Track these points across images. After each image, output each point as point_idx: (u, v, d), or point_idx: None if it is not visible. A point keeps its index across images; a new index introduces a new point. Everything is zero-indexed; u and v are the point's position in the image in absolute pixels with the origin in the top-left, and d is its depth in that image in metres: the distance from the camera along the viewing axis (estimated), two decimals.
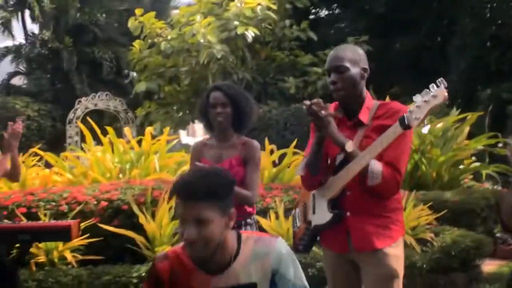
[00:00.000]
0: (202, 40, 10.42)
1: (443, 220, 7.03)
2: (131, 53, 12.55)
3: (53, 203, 6.67)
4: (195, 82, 11.82)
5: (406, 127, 2.75)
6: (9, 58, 22.29)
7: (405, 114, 2.74)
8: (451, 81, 14.17)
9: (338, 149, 3.01)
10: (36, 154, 9.00)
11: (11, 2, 22.14)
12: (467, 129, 9.23)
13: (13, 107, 17.76)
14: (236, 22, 10.73)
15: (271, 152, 7.98)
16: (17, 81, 22.63)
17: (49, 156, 8.55)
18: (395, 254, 3.01)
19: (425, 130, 2.60)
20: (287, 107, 11.47)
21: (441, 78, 2.73)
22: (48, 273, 5.87)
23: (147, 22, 11.74)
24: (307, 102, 2.96)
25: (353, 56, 3.05)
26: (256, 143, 3.82)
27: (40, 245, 6.06)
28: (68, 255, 6.11)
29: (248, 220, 3.76)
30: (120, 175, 7.71)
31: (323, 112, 2.89)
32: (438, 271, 6.23)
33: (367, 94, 3.14)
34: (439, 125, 9.06)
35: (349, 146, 2.91)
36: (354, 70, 3.01)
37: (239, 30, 10.59)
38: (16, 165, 4.48)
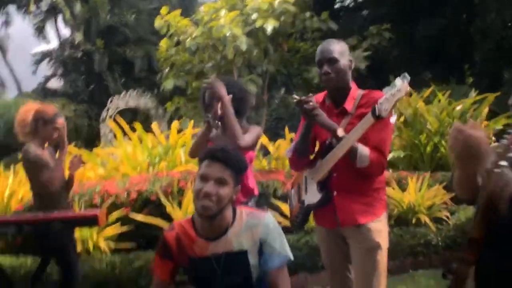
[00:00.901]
0: (228, 34, 10.71)
1: (461, 200, 7.23)
2: (158, 52, 12.93)
3: (87, 197, 7.13)
4: (221, 77, 12.15)
5: (376, 117, 3.07)
6: (45, 62, 23.01)
7: (375, 106, 3.06)
8: (475, 62, 14.24)
9: (329, 135, 3.35)
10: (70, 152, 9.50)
11: (44, 8, 22.77)
12: (486, 110, 9.33)
13: None
14: (255, 15, 11.01)
15: (292, 140, 8.30)
16: (54, 83, 23.33)
17: (83, 153, 9.03)
18: (378, 228, 3.34)
19: (392, 119, 2.85)
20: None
21: (405, 73, 3.08)
22: (84, 261, 6.32)
23: (173, 21, 12.08)
24: (296, 97, 3.29)
25: (341, 48, 3.38)
26: (255, 126, 4.17)
27: (76, 235, 6.51)
28: (102, 244, 6.56)
29: (249, 203, 4.05)
30: (150, 168, 8.11)
31: (310, 104, 3.22)
32: (452, 248, 6.47)
33: (353, 84, 3.47)
34: (458, 107, 9.22)
35: (340, 131, 3.24)
36: (343, 61, 3.34)
37: (258, 23, 10.86)
38: None
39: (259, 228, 2.82)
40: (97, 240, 6.58)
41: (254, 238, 2.80)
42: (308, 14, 12.05)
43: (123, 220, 6.59)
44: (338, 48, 3.37)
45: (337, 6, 16.54)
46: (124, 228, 6.52)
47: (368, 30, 12.93)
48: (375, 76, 12.13)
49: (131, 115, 17.93)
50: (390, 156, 7.96)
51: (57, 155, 4.89)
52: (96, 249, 6.55)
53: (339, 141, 3.23)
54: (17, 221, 4.42)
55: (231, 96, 3.94)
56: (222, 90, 3.88)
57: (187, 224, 2.88)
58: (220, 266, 2.79)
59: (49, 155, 4.79)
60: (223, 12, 11.26)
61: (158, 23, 12.25)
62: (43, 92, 22.54)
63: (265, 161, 8.75)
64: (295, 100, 3.29)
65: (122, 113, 17.03)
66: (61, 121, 4.81)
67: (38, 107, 4.89)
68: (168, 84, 12.29)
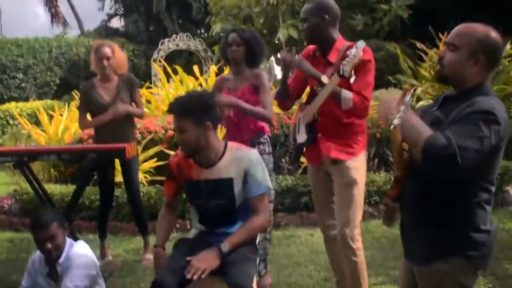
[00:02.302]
0: None
1: None
2: None
3: None
4: (267, 22, 12.54)
5: (341, 76, 3.58)
6: (107, 1, 23.69)
7: (340, 66, 3.55)
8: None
9: (316, 83, 3.83)
10: None
11: None
12: None
13: None
14: None
15: None
16: (116, 23, 24.01)
17: None
18: (355, 166, 3.83)
19: (352, 80, 3.29)
20: None
21: (361, 40, 3.56)
22: (123, 191, 7.00)
23: None
24: (283, 54, 3.79)
25: (313, 8, 3.83)
26: (263, 72, 4.67)
27: (117, 167, 7.20)
28: (140, 175, 7.23)
29: (261, 139, 4.62)
30: None
31: (289, 57, 3.74)
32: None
33: (338, 38, 3.90)
34: None
35: (324, 78, 3.73)
36: (312, 20, 3.80)
37: None
38: None
39: (244, 160, 3.35)
40: None
41: (239, 168, 3.34)
42: None
43: (160, 155, 7.22)
44: (310, 8, 3.84)
45: None
46: (160, 163, 7.16)
47: None
48: (417, 25, 12.18)
49: (187, 55, 18.53)
50: None
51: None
52: None
53: (322, 87, 3.71)
54: (57, 150, 5.07)
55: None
56: (230, 100, 4.40)
57: None
58: (209, 189, 3.36)
59: (113, 88, 5.36)
60: None
61: None
62: (104, 31, 23.26)
63: None
64: (281, 56, 3.79)
65: (178, 53, 17.64)
66: (104, 51, 5.31)
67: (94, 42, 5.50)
68: (216, 28, 12.78)
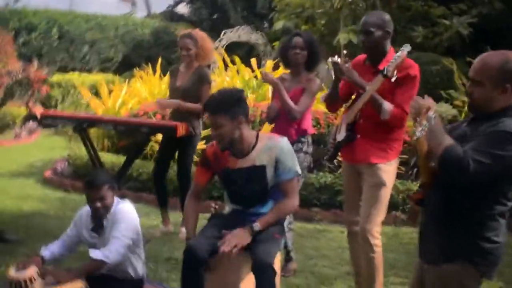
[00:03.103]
0: None
1: None
2: None
3: None
4: (329, 24, 12.76)
5: (384, 76, 3.83)
6: None
7: (385, 67, 3.79)
8: None
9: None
10: None
11: None
12: None
13: (173, 33, 19.53)
14: None
15: None
16: (182, 9, 24.52)
17: None
18: (386, 169, 4.09)
19: (393, 79, 3.54)
20: (409, 55, 12.11)
21: (406, 44, 3.78)
22: (172, 166, 7.35)
23: None
24: (334, 59, 4.05)
25: (378, 22, 4.04)
26: (317, 80, 4.94)
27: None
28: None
29: (302, 139, 4.90)
30: None
31: (345, 66, 3.99)
32: None
33: (390, 50, 4.13)
34: None
35: (377, 79, 3.95)
36: (378, 33, 4.02)
37: None
38: None
39: (275, 148, 3.63)
40: None
41: (271, 156, 3.63)
42: None
43: (208, 138, 7.55)
44: (375, 22, 4.03)
45: None
46: (204, 145, 7.48)
47: None
48: (477, 44, 12.19)
49: (247, 47, 18.82)
50: None
51: None
52: None
53: (361, 93, 3.98)
54: (113, 121, 5.45)
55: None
56: (277, 83, 4.81)
57: None
58: (244, 176, 3.66)
59: (188, 76, 5.80)
60: None
61: None
62: (170, 16, 23.73)
63: None
64: (332, 61, 4.04)
65: (239, 44, 17.94)
66: (185, 42, 5.75)
67: None
68: (278, 24, 13.06)
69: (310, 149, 5.01)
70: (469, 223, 2.71)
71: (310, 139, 5.02)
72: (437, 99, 9.91)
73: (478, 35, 12.31)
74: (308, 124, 4.98)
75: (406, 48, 3.85)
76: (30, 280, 3.73)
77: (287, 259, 5.09)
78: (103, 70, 17.25)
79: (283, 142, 3.69)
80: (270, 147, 3.64)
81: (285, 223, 4.99)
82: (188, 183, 5.82)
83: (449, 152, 2.52)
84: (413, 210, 2.98)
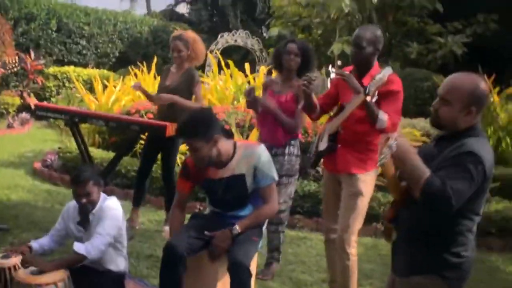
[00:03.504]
0: None
1: (499, 192, 7.62)
2: (273, 0, 13.83)
3: None
4: (325, 34, 12.93)
5: (365, 94, 3.97)
6: None
7: (367, 86, 3.95)
8: None
9: (346, 99, 4.23)
10: None
11: None
12: None
13: (171, 32, 19.54)
14: None
15: None
16: (182, 9, 24.65)
17: None
18: (365, 179, 4.23)
19: (373, 99, 3.68)
20: (402, 70, 12.33)
21: (388, 67, 3.94)
22: (158, 166, 7.43)
23: None
24: (332, 70, 4.21)
25: (371, 37, 4.19)
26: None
27: None
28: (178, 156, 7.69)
29: (292, 142, 5.05)
30: (234, 102, 9.17)
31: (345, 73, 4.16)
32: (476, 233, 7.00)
33: (375, 65, 4.28)
34: None
35: (360, 95, 4.08)
36: (369, 49, 4.17)
37: None
38: None
39: (253, 156, 3.78)
40: None
41: (249, 164, 3.78)
42: None
43: None
44: (369, 38, 4.18)
45: None
46: None
47: (475, 17, 13.18)
48: (469, 63, 12.37)
49: (244, 52, 18.96)
50: None
51: None
52: None
53: (344, 105, 4.14)
54: (104, 117, 5.57)
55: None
56: (271, 106, 4.93)
57: None
58: (224, 185, 3.81)
59: (177, 76, 5.94)
60: None
61: None
62: (169, 15, 23.86)
63: None
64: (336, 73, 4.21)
65: (236, 48, 18.08)
66: (175, 44, 5.89)
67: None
68: (273, 31, 13.23)
69: (299, 153, 5.16)
70: (438, 238, 2.84)
71: (299, 144, 5.18)
72: (426, 114, 10.06)
73: (472, 54, 12.50)
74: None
75: (388, 71, 3.97)
76: (14, 267, 3.85)
77: (269, 262, 5.22)
78: (99, 65, 17.34)
79: (261, 150, 3.83)
80: (248, 156, 3.79)
81: (280, 228, 5.19)
82: (172, 182, 5.92)
83: (430, 186, 2.63)
84: (387, 228, 3.12)
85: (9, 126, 12.36)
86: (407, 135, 8.33)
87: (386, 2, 12.17)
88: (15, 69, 5.42)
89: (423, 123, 9.25)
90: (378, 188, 6.30)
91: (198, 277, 3.75)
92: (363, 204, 4.25)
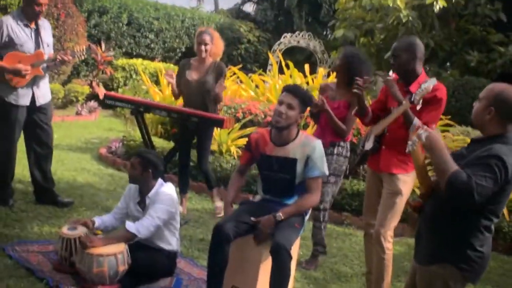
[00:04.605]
0: (391, 4, 11.70)
1: None
2: (338, 3, 14.04)
3: (233, 109, 8.69)
4: (387, 40, 13.07)
5: (411, 102, 4.24)
6: None
7: (413, 94, 4.21)
8: None
9: (395, 104, 4.49)
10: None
11: None
12: None
13: (238, 30, 20.07)
14: None
15: None
16: (248, 8, 25.04)
17: (241, 75, 10.58)
18: (404, 180, 4.49)
19: (418, 107, 3.93)
20: (461, 78, 12.36)
21: (433, 78, 4.21)
22: (216, 158, 7.89)
23: None
24: (391, 75, 4.49)
25: (405, 47, 4.47)
26: None
27: (216, 137, 8.08)
28: (233, 149, 8.10)
29: (341, 143, 5.36)
30: None
31: (389, 79, 4.47)
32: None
33: (422, 73, 4.53)
34: None
35: (406, 103, 4.36)
36: (404, 56, 4.44)
37: (428, 1, 11.65)
38: None
39: (309, 147, 4.12)
40: (229, 146, 8.16)
41: (304, 153, 4.11)
42: (483, 0, 12.51)
43: None
44: (401, 46, 4.49)
45: None
46: None
47: None
48: None
49: (308, 52, 19.22)
50: None
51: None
52: (227, 152, 8.14)
53: (390, 109, 4.40)
54: (168, 108, 5.97)
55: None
56: (328, 109, 5.19)
57: (267, 132, 4.31)
58: (277, 164, 4.14)
59: (205, 69, 6.22)
60: None
61: None
62: (236, 13, 24.26)
63: None
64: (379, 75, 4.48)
65: (300, 49, 18.35)
66: (203, 37, 6.18)
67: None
68: (338, 33, 13.43)
69: (348, 154, 5.43)
70: (458, 232, 3.11)
71: (348, 145, 5.46)
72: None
73: None
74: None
75: (432, 82, 4.23)
76: (80, 238, 4.28)
77: (315, 254, 5.53)
78: (165, 59, 17.90)
79: (317, 143, 4.16)
80: (305, 145, 4.13)
81: (323, 225, 5.49)
82: (208, 169, 6.43)
83: (456, 178, 2.90)
84: (412, 217, 3.39)
85: (78, 113, 12.96)
86: (460, 142, 8.46)
87: (448, 10, 12.23)
88: (83, 57, 5.85)
89: (478, 132, 9.31)
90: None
91: (243, 258, 4.09)
92: (401, 203, 4.50)
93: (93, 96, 13.93)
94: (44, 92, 5.78)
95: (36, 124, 5.80)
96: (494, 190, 2.95)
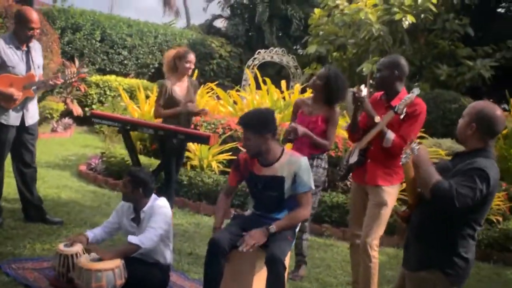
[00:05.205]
0: (363, 18, 12.05)
1: None
2: (310, 19, 14.35)
3: (213, 125, 8.86)
4: (358, 54, 13.41)
5: (395, 112, 4.49)
6: (215, 2, 25.04)
7: (396, 105, 4.45)
8: None
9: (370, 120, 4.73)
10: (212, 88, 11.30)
11: None
12: None
13: (210, 45, 20.25)
14: (395, 9, 12.15)
15: None
16: (219, 23, 25.28)
17: (219, 91, 10.76)
18: (389, 191, 4.72)
19: (401, 117, 4.22)
20: (432, 91, 12.72)
21: (417, 87, 4.44)
22: (198, 173, 8.05)
23: None
24: (352, 90, 4.71)
25: (389, 63, 4.73)
26: (337, 109, 5.58)
27: (197, 152, 8.23)
28: (214, 164, 8.26)
29: (320, 156, 5.53)
30: None
31: (357, 95, 4.63)
32: (493, 248, 7.41)
33: (402, 90, 4.76)
34: None
35: (377, 119, 4.62)
36: (385, 72, 4.70)
37: (397, 17, 12.03)
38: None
39: (295, 164, 4.29)
40: (210, 161, 8.31)
41: (291, 170, 4.28)
42: (451, 15, 12.93)
43: (234, 150, 8.21)
44: (386, 63, 4.77)
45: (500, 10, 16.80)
46: (234, 157, 8.09)
47: (504, 43, 13.54)
48: (497, 87, 12.74)
49: (279, 67, 19.48)
50: None
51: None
52: (208, 167, 8.30)
53: (374, 124, 4.61)
54: (154, 126, 6.09)
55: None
56: (301, 130, 5.30)
57: None
58: (265, 183, 4.32)
59: (185, 88, 6.39)
60: None
61: None
62: (207, 29, 24.47)
63: None
64: (350, 92, 4.71)
65: (271, 63, 18.61)
66: (191, 57, 6.36)
67: (175, 50, 6.51)
68: (311, 49, 13.75)
69: (326, 166, 5.62)
70: (444, 239, 3.34)
71: (326, 157, 5.65)
72: (453, 135, 10.37)
73: (500, 79, 12.87)
74: None
75: (416, 91, 4.53)
76: (76, 255, 4.40)
77: (298, 265, 5.71)
78: (138, 75, 18.00)
79: (303, 160, 4.33)
80: (291, 162, 4.29)
81: (304, 236, 5.67)
82: (172, 182, 6.49)
83: (439, 187, 3.16)
84: (400, 227, 3.62)
85: (53, 130, 13.00)
86: (432, 153, 8.74)
87: (417, 25, 12.60)
88: (73, 79, 5.99)
89: (449, 143, 9.62)
90: (402, 201, 6.74)
91: (238, 270, 4.24)
92: (386, 213, 4.73)
93: (67, 113, 13.97)
94: (33, 113, 5.89)
95: (22, 144, 5.90)
96: (474, 200, 3.17)
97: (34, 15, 5.64)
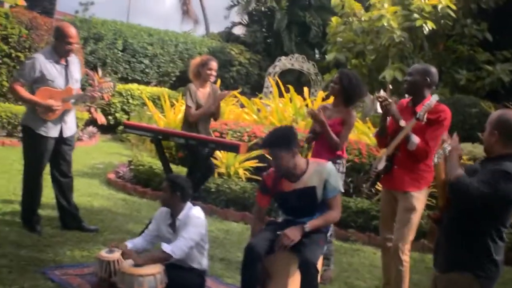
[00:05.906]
0: (385, 24, 12.22)
1: None
2: (329, 27, 14.55)
3: (239, 133, 9.05)
4: (378, 61, 13.56)
5: (417, 119, 4.67)
6: (235, 9, 25.25)
7: (418, 112, 4.64)
8: None
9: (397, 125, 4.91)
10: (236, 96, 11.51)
11: None
12: None
13: (229, 53, 20.52)
14: (416, 15, 12.30)
15: None
16: (238, 31, 25.54)
17: (243, 99, 10.96)
18: (417, 196, 4.88)
19: (423, 122, 4.48)
20: (451, 96, 12.84)
21: (435, 95, 4.61)
22: (225, 180, 8.23)
23: (347, 2, 13.68)
24: (377, 95, 4.89)
25: (420, 70, 4.91)
26: (354, 113, 5.78)
27: (224, 160, 8.42)
28: (241, 171, 8.44)
29: (338, 161, 5.69)
30: (293, 124, 9.84)
31: (383, 99, 4.81)
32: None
33: (428, 96, 4.93)
34: None
35: (402, 122, 4.80)
36: (415, 77, 4.89)
37: (417, 23, 12.19)
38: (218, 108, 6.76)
39: (323, 172, 4.47)
40: (237, 168, 8.50)
41: (320, 178, 4.46)
42: (469, 21, 13.05)
43: (260, 158, 8.39)
44: (418, 69, 4.97)
45: None
46: (260, 164, 8.32)
47: None
48: None
49: (298, 73, 19.67)
50: None
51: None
52: (235, 174, 8.49)
53: (400, 129, 4.79)
54: (186, 135, 6.27)
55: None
56: (322, 116, 5.52)
57: None
58: (297, 195, 4.48)
59: (207, 93, 6.63)
60: (386, 4, 12.64)
61: (334, 1, 13.86)
62: (226, 36, 24.74)
63: None
64: (377, 96, 4.89)
65: (289, 71, 18.81)
66: (213, 64, 6.63)
67: (200, 58, 6.74)
68: (330, 56, 13.92)
69: (344, 170, 5.80)
70: (475, 242, 3.48)
71: (344, 162, 5.83)
72: (474, 140, 10.55)
73: None
74: (343, 149, 5.81)
75: (435, 98, 4.72)
76: (118, 261, 4.61)
77: (324, 269, 5.88)
78: (160, 83, 18.28)
79: (329, 165, 4.53)
80: (319, 171, 4.48)
81: (328, 239, 5.83)
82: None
83: (458, 180, 3.35)
84: (431, 229, 3.78)
85: (79, 139, 13.24)
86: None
87: (437, 31, 12.74)
88: (110, 93, 6.23)
89: (470, 147, 9.73)
90: (427, 207, 6.87)
91: (273, 274, 4.43)
92: (415, 218, 4.89)
93: (91, 121, 14.23)
94: (70, 125, 6.14)
95: (60, 155, 6.14)
96: (493, 198, 3.30)
97: (72, 31, 5.92)
